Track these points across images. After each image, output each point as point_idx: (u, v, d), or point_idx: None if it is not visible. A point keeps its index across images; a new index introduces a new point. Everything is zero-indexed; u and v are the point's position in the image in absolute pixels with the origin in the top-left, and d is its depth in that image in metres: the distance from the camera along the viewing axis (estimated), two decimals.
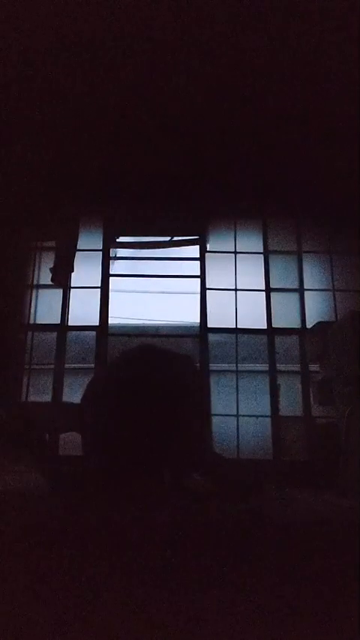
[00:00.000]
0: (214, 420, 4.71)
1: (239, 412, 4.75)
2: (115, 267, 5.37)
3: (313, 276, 5.26)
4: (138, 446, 2.62)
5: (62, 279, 4.90)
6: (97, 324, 4.97)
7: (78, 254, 4.98)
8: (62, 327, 4.96)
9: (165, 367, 2.92)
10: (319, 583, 1.33)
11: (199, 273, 5.18)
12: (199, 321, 5.03)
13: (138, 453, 2.62)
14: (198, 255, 5.25)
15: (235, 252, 5.31)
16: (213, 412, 4.73)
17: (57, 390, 4.73)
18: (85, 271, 5.10)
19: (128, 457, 2.62)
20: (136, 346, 3.26)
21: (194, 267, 5.23)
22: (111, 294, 5.10)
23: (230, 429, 4.70)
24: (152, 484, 2.78)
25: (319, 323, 4.69)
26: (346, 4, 3.02)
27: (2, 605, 1.12)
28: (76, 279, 5.06)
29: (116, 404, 2.73)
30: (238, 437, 4.66)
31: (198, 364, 3.15)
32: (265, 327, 5.00)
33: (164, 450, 2.72)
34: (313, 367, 4.82)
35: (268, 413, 4.74)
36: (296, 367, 4.95)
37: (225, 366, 5.01)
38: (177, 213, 5.35)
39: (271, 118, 4.06)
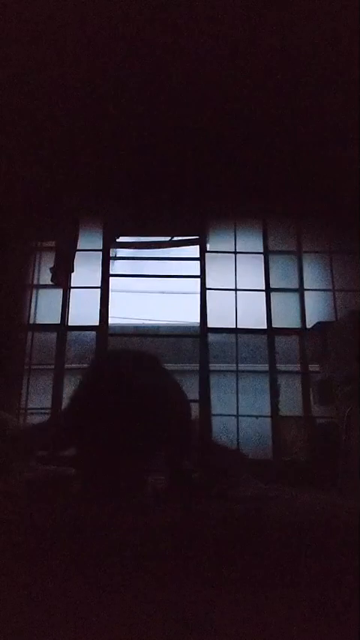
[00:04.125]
0: (214, 420, 4.71)
1: (239, 412, 4.75)
2: (115, 267, 5.38)
3: (313, 276, 5.26)
4: (123, 451, 2.65)
5: (62, 279, 4.90)
6: (97, 324, 4.97)
7: (78, 254, 4.99)
8: (62, 327, 4.96)
9: (130, 371, 2.95)
10: (319, 583, 1.33)
11: (199, 273, 5.18)
12: (199, 321, 5.03)
13: (124, 458, 2.65)
14: (198, 255, 5.25)
15: (235, 252, 5.31)
16: (213, 412, 4.73)
17: (57, 390, 4.73)
18: (85, 271, 5.10)
19: (114, 463, 2.65)
20: (100, 356, 3.32)
21: (194, 267, 5.23)
22: (111, 294, 5.10)
23: (230, 429, 4.70)
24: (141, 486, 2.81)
25: (319, 323, 4.69)
26: (345, 4, 3.02)
27: (2, 606, 1.12)
28: (76, 279, 5.06)
29: (96, 418, 2.76)
30: (238, 437, 4.66)
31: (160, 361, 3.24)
32: (265, 327, 5.00)
33: (152, 450, 2.76)
34: (313, 367, 4.82)
35: (268, 413, 4.74)
36: (296, 367, 4.95)
37: (225, 366, 5.01)
38: (177, 213, 5.35)
39: (271, 117, 4.06)
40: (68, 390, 4.78)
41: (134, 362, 3.09)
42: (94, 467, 2.69)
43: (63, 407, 3.11)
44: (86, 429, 2.75)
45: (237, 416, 4.73)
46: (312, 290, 5.19)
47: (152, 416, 2.75)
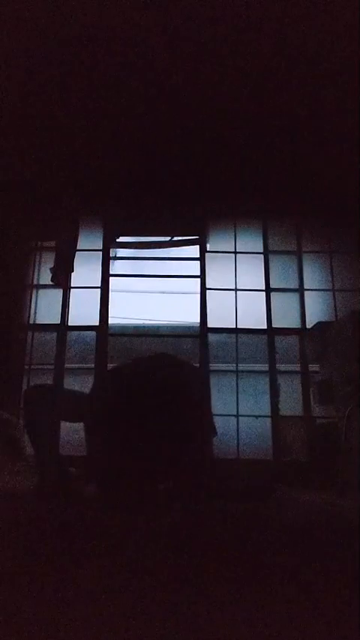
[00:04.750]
0: (214, 420, 4.70)
1: (239, 412, 4.75)
2: (115, 267, 5.38)
3: (313, 276, 5.26)
4: (137, 449, 2.61)
5: (62, 279, 4.89)
6: (97, 324, 4.97)
7: (78, 254, 4.98)
8: (62, 327, 4.96)
9: (172, 374, 2.90)
10: (319, 583, 1.33)
11: (199, 273, 5.18)
12: (199, 321, 5.03)
13: (137, 455, 2.62)
14: (198, 255, 5.25)
15: (235, 252, 5.31)
16: (213, 412, 4.72)
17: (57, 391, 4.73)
18: (85, 271, 5.10)
19: (128, 458, 2.61)
20: (148, 353, 3.26)
21: (194, 267, 5.23)
22: (111, 294, 5.10)
23: (230, 429, 4.70)
24: (153, 487, 2.78)
25: (319, 323, 4.69)
26: (345, 5, 3.02)
27: (2, 605, 1.12)
28: (76, 279, 5.06)
29: (120, 404, 2.72)
30: (238, 437, 4.66)
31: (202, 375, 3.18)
32: (265, 327, 5.00)
33: (164, 455, 2.72)
34: (313, 367, 4.82)
35: (268, 413, 4.74)
36: (296, 367, 4.95)
37: (225, 366, 5.01)
38: (177, 213, 5.35)
39: (271, 117, 4.06)
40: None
41: (179, 371, 3.04)
42: (114, 467, 2.66)
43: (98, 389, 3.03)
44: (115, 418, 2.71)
45: (237, 416, 4.73)
46: (312, 290, 5.19)
47: (176, 427, 2.72)
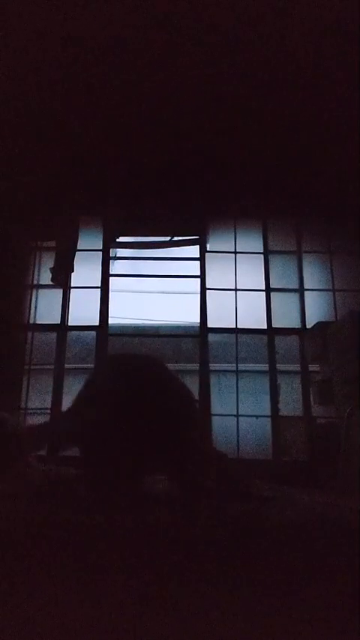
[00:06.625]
0: (214, 420, 4.71)
1: (239, 412, 4.75)
2: (115, 267, 5.38)
3: (313, 276, 5.26)
4: (126, 449, 2.62)
5: (62, 279, 4.90)
6: (97, 324, 4.97)
7: (78, 254, 4.98)
8: (62, 327, 4.96)
9: (131, 373, 2.91)
10: (319, 583, 1.33)
11: (199, 273, 5.18)
12: (199, 321, 5.03)
13: (127, 454, 2.63)
14: (198, 255, 5.25)
15: (235, 252, 5.31)
16: (213, 412, 4.73)
17: (57, 391, 4.73)
18: (85, 271, 5.10)
19: (119, 457, 2.62)
20: (105, 361, 3.27)
21: (194, 267, 5.24)
22: (111, 294, 5.10)
23: (230, 429, 4.70)
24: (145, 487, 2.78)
25: (319, 323, 4.69)
26: (345, 5, 3.02)
27: (1, 606, 1.12)
28: (76, 279, 5.06)
29: (100, 418, 2.73)
30: (238, 437, 4.66)
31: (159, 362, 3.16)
32: (265, 327, 5.00)
33: (154, 455, 2.72)
34: (313, 367, 4.82)
35: (268, 413, 4.75)
36: (296, 367, 4.95)
37: (225, 366, 5.01)
38: (177, 213, 5.35)
39: (271, 117, 4.06)
40: (70, 390, 4.79)
41: (138, 365, 3.05)
42: (97, 468, 2.67)
43: (67, 407, 3.06)
44: (88, 430, 2.72)
45: (237, 416, 4.73)
46: (312, 290, 5.19)
47: (156, 418, 2.72)
